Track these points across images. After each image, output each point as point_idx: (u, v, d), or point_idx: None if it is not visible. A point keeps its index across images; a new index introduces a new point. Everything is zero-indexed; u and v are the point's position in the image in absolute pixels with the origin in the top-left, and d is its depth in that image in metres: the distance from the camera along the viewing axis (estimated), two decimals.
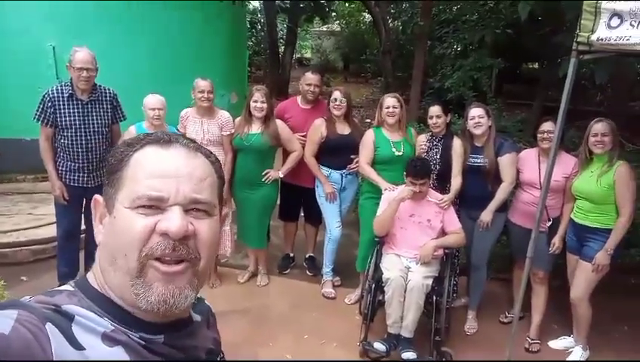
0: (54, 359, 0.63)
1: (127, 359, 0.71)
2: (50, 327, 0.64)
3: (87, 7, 6.15)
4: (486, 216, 3.52)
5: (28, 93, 5.00)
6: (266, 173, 3.91)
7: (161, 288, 0.72)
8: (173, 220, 0.72)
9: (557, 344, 3.61)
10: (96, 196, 0.81)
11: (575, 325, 3.47)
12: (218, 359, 0.92)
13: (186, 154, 0.78)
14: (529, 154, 3.64)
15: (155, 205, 0.73)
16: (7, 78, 6.02)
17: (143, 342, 0.74)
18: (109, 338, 0.70)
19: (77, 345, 0.66)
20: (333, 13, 18.45)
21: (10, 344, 0.59)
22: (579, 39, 2.74)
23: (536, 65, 13.72)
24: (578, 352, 3.43)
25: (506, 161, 3.52)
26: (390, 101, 3.73)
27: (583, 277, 3.25)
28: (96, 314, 0.72)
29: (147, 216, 0.73)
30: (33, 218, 4.78)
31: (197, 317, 0.88)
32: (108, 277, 0.75)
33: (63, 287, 0.76)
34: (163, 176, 0.74)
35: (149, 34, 6.68)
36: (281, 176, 3.99)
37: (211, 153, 0.85)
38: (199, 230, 0.75)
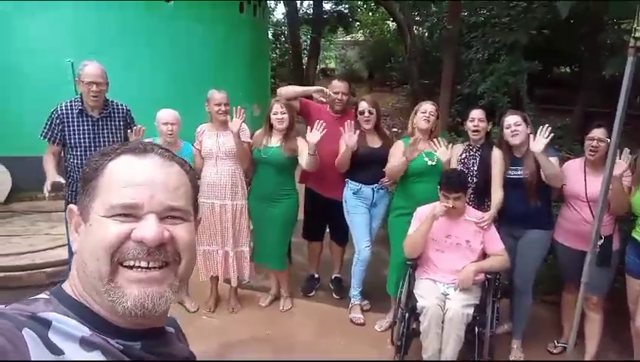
0: None
1: None
2: (27, 332, 0.64)
3: (106, 22, 6.07)
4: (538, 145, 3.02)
5: (46, 109, 4.90)
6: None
7: (136, 292, 0.72)
8: (148, 228, 0.72)
9: None
10: (71, 206, 0.81)
11: (637, 356, 3.08)
12: None
13: (161, 163, 0.78)
14: (573, 165, 3.29)
15: (130, 213, 0.73)
16: (25, 94, 5.92)
17: (121, 347, 0.73)
18: (87, 343, 0.70)
19: (55, 350, 0.66)
20: (357, 23, 18.27)
21: None
22: (637, 34, 2.42)
23: (567, 69, 13.17)
24: None
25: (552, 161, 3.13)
26: (428, 107, 3.47)
27: None
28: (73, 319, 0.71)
29: (122, 223, 0.73)
30: (50, 238, 4.63)
31: (170, 329, 0.88)
32: (84, 284, 0.75)
33: (38, 296, 0.75)
34: (136, 185, 0.74)
35: (170, 47, 6.56)
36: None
37: (185, 162, 0.84)
38: (177, 234, 0.76)
